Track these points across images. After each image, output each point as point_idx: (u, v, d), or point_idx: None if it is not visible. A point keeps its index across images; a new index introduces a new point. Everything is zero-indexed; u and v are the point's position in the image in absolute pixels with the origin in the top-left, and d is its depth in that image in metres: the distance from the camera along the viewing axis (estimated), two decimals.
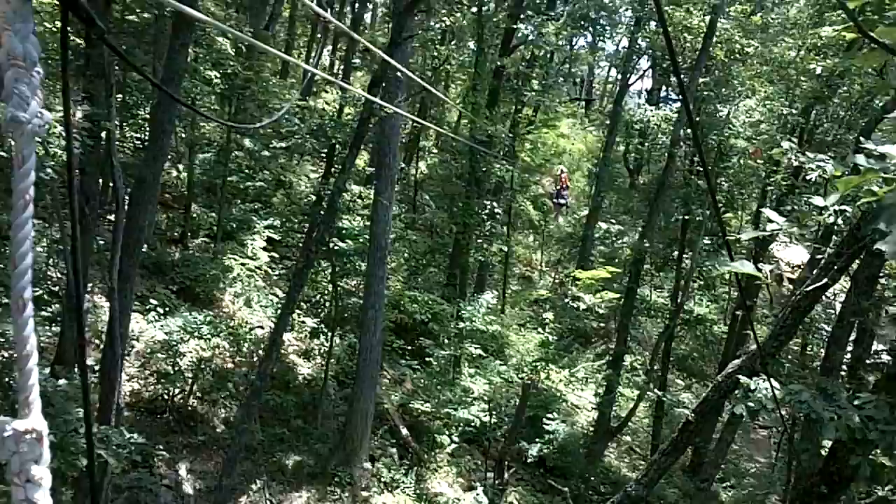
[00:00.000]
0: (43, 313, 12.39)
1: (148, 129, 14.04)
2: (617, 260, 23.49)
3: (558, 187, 28.39)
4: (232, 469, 11.63)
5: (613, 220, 29.45)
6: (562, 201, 28.74)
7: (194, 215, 18.77)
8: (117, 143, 11.43)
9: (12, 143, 1.39)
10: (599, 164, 25.70)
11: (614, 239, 25.61)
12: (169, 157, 14.07)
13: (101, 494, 10.20)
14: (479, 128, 19.90)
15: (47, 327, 12.19)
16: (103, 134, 11.30)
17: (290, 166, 22.45)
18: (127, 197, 11.27)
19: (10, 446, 1.42)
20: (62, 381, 9.08)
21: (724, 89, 19.13)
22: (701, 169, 20.62)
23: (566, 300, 24.30)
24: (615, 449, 19.80)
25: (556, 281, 27.69)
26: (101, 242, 14.02)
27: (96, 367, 11.86)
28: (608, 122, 26.38)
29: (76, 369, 10.51)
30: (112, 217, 12.30)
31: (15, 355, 1.48)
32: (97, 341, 13.36)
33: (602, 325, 23.71)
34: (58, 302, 11.51)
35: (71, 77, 12.74)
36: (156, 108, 11.05)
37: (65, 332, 11.42)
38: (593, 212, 25.62)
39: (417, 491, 15.54)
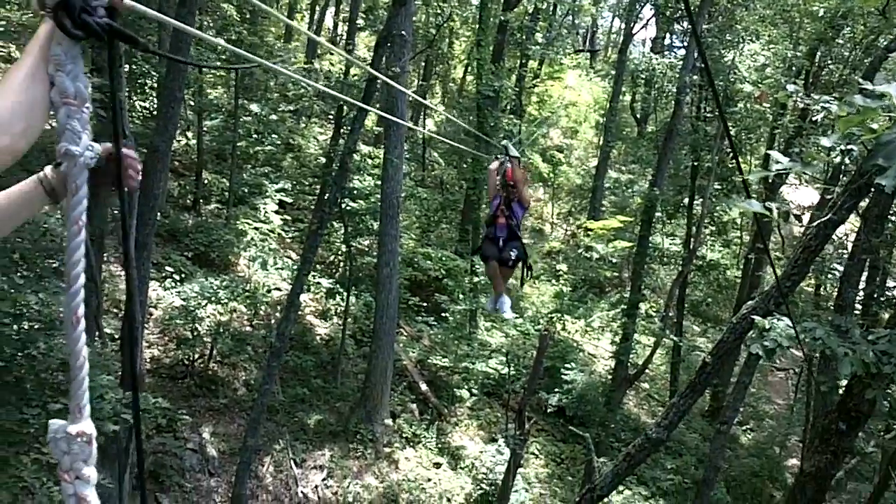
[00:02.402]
0: (63, 285, 12.55)
1: (156, 98, 14.07)
2: (628, 209, 23.52)
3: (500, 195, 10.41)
4: (255, 430, 11.86)
5: (623, 170, 29.42)
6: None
7: (206, 181, 18.86)
8: (128, 112, 11.48)
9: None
10: (606, 115, 25.58)
11: (624, 188, 25.58)
12: (179, 124, 14.12)
13: (127, 459, 10.45)
14: (484, 83, 19.82)
15: None
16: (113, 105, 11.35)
17: (298, 129, 22.46)
18: (140, 166, 11.37)
19: (63, 447, 1.59)
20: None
21: (727, 34, 18.95)
22: (709, 115, 20.54)
23: (579, 251, 24.49)
24: (634, 396, 20.02)
25: (568, 232, 27.74)
26: (116, 212, 14.16)
27: (116, 336, 12.07)
28: (613, 72, 26.18)
29: (97, 337, 10.69)
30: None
31: (70, 363, 1.62)
32: (116, 310, 13.57)
33: (616, 274, 23.81)
34: None
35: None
36: (165, 77, 11.08)
37: (87, 301, 11.59)
38: (602, 162, 25.57)
39: (439, 445, 15.81)
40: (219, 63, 15.67)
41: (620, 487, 15.22)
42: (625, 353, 18.16)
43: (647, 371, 19.23)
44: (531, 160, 26.77)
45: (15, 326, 8.82)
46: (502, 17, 20.91)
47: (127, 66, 11.64)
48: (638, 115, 31.71)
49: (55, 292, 9.39)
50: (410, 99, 24.05)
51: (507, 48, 22.47)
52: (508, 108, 22.56)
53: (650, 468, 16.44)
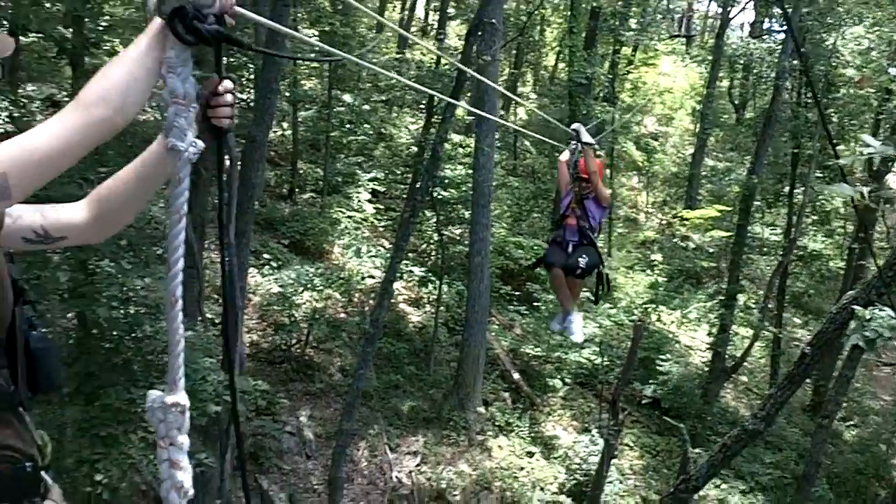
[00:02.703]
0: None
1: (253, 89, 14.40)
2: (725, 198, 22.87)
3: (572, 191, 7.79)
4: (350, 414, 12.04)
5: (720, 157, 28.66)
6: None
7: (301, 171, 19.24)
8: None
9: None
10: (703, 101, 24.93)
11: (721, 176, 24.91)
12: (274, 115, 14.42)
13: (228, 440, 10.76)
14: (576, 70, 19.59)
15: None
16: None
17: (390, 119, 22.65)
18: (238, 156, 11.67)
19: (159, 416, 1.78)
20: (188, 333, 9.55)
21: (828, 17, 18.21)
22: (809, 101, 19.83)
23: (674, 240, 24.01)
24: (732, 389, 19.53)
25: (663, 222, 27.22)
26: (216, 201, 14.56)
27: (217, 321, 12.43)
28: (710, 57, 25.48)
29: (199, 321, 11.04)
30: (225, 176, 12.74)
31: (168, 341, 1.78)
32: (217, 296, 13.97)
33: (713, 264, 23.23)
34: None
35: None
36: (261, 69, 11.34)
37: (186, 286, 11.97)
38: (699, 150, 24.97)
39: (532, 434, 15.77)
40: (312, 55, 15.91)
41: (717, 481, 14.91)
42: (722, 345, 17.71)
43: (745, 364, 18.72)
44: (625, 148, 26.36)
45: (122, 310, 9.18)
46: (595, 4, 20.61)
47: (225, 58, 11.93)
48: (736, 102, 30.78)
49: (160, 277, 9.72)
50: (501, 86, 24.00)
51: (600, 34, 22.15)
52: (601, 95, 22.25)
53: (748, 462, 16.02)
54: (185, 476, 1.81)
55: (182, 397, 1.81)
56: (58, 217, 1.95)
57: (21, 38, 11.60)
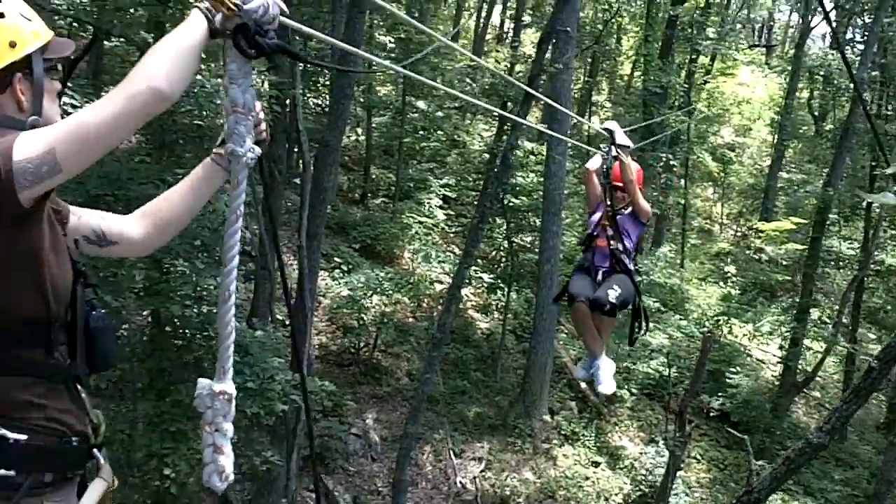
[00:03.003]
0: (239, 271, 13.30)
1: (328, 95, 14.67)
2: (801, 210, 22.30)
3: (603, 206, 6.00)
4: (416, 418, 12.12)
5: (798, 169, 27.94)
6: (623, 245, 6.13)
7: (373, 176, 19.49)
8: (301, 109, 12.04)
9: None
10: (782, 112, 24.40)
11: (798, 188, 24.30)
12: (348, 121, 14.66)
13: (294, 439, 10.95)
14: (651, 79, 19.38)
15: (243, 284, 13.09)
16: (288, 101, 11.93)
17: (463, 126, 22.76)
18: (312, 160, 11.90)
19: (207, 402, 1.93)
20: (258, 333, 9.75)
21: None
22: (889, 113, 19.26)
23: (748, 253, 23.52)
24: (803, 404, 19.01)
25: (738, 234, 26.70)
26: (289, 204, 14.87)
27: (287, 322, 12.67)
28: (790, 68, 24.90)
29: (270, 321, 11.27)
30: (298, 180, 13.00)
31: (218, 332, 1.86)
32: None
33: (788, 277, 22.67)
34: (251, 261, 12.33)
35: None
36: (336, 75, 11.54)
37: (258, 287, 12.24)
38: (776, 161, 24.45)
39: (598, 444, 15.62)
40: (387, 62, 16.11)
41: (786, 497, 14.56)
42: (793, 359, 17.28)
43: (818, 379, 18.22)
44: (700, 158, 25.94)
45: (195, 309, 9.42)
46: (671, 12, 20.37)
47: (301, 64, 12.24)
48: (815, 113, 30.02)
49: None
50: (576, 95, 23.89)
51: (677, 43, 21.86)
52: (676, 104, 21.96)
53: (818, 479, 15.58)
54: (227, 461, 1.93)
55: (229, 386, 1.91)
56: (112, 224, 2.11)
57: (105, 42, 12.06)
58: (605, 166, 5.47)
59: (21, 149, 1.60)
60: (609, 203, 5.51)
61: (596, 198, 5.73)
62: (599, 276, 5.49)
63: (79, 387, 1.91)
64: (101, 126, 1.61)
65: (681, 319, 18.41)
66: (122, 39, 11.86)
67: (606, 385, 5.57)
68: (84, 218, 2.09)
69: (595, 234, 5.64)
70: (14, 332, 1.74)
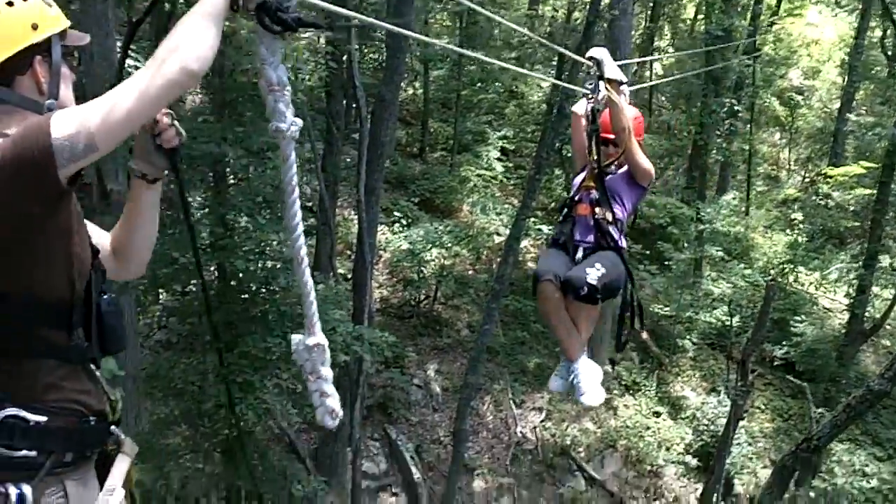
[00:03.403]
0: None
1: (384, 50, 14.66)
2: (871, 154, 21.61)
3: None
4: (476, 368, 12.27)
5: (868, 112, 27.01)
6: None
7: (431, 130, 19.49)
8: (358, 64, 12.09)
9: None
10: (852, 52, 23.51)
11: (868, 132, 23.51)
12: (405, 75, 14.67)
13: (358, 389, 11.21)
14: (713, 22, 18.87)
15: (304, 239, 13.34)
16: (345, 57, 11.98)
17: (521, 77, 22.54)
18: (369, 115, 11.97)
19: (304, 355, 2.09)
20: (320, 286, 9.98)
21: None
22: None
23: (816, 199, 22.92)
24: (872, 353, 18.63)
25: (806, 180, 26.01)
26: (348, 160, 15.01)
27: (349, 276, 12.89)
28: (861, 6, 23.91)
29: (331, 275, 11.49)
30: (357, 135, 13.10)
31: (301, 293, 2.08)
32: (349, 252, 14.46)
33: (857, 224, 22.08)
34: (312, 216, 12.55)
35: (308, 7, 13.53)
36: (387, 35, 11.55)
37: (319, 242, 12.48)
38: (845, 104, 23.62)
39: (659, 394, 15.64)
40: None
41: (852, 446, 14.41)
42: (860, 307, 16.88)
43: (886, 326, 17.78)
44: (766, 103, 25.24)
45: (259, 263, 9.67)
46: None
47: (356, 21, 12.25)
48: (889, 53, 28.88)
49: None
50: (636, 41, 23.40)
51: None
52: (741, 48, 21.35)
53: (886, 428, 15.35)
54: (334, 402, 2.14)
55: (321, 338, 2.12)
56: (99, 235, 2.16)
57: (166, 2, 12.23)
58: (591, 110, 4.27)
59: (58, 127, 1.65)
60: (596, 159, 4.30)
61: (582, 152, 4.50)
62: (579, 254, 4.26)
63: (93, 367, 1.97)
64: (135, 105, 1.67)
65: (745, 268, 18.11)
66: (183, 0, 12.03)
67: (590, 396, 4.19)
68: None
69: (577, 198, 4.37)
70: (40, 314, 1.80)
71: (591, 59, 4.15)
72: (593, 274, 3.92)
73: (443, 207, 17.20)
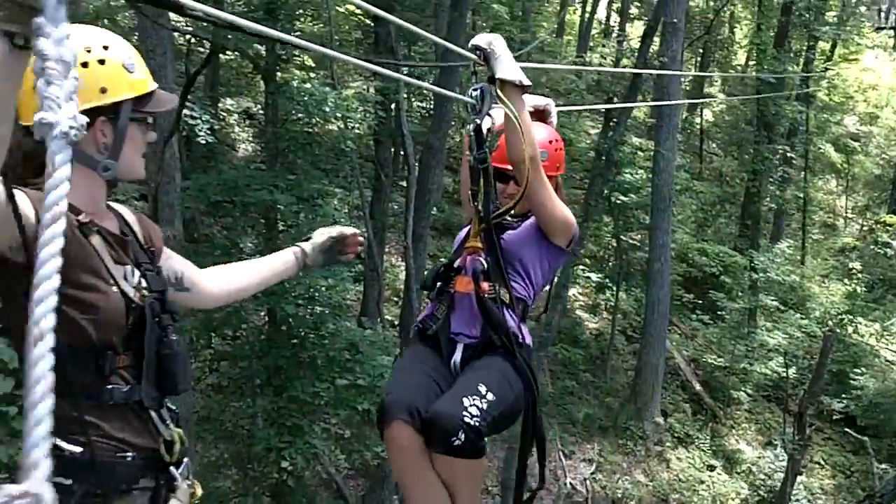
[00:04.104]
0: (348, 273, 13.67)
1: (432, 98, 14.84)
2: None
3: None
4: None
5: None
6: None
7: None
8: (405, 113, 12.24)
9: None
10: None
11: None
12: (452, 122, 14.80)
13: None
14: (765, 69, 18.76)
15: (352, 284, 13.40)
16: (393, 106, 12.14)
17: (569, 123, 22.55)
18: (417, 163, 12.07)
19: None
20: (368, 332, 10.02)
21: None
22: None
23: (875, 248, 22.39)
24: None
25: (864, 228, 25.49)
26: (396, 207, 15.12)
27: (396, 322, 12.89)
28: None
29: (379, 321, 11.51)
30: (404, 182, 13.21)
31: None
32: (396, 298, 14.47)
33: None
34: (360, 263, 12.63)
35: (361, 54, 13.93)
36: (438, 78, 11.68)
37: (367, 288, 12.55)
38: None
39: (713, 447, 15.27)
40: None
41: None
42: None
43: None
44: (821, 149, 24.87)
45: (308, 309, 9.74)
46: None
47: (406, 68, 12.47)
48: None
49: (342, 279, 10.24)
50: (686, 87, 23.35)
51: (793, 30, 21.07)
52: (794, 94, 21.17)
53: None
54: None
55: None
56: (192, 273, 2.30)
57: (220, 55, 12.58)
58: (474, 130, 2.77)
59: None
60: (483, 205, 2.78)
61: (467, 194, 2.97)
62: (457, 355, 2.79)
63: (146, 406, 1.96)
64: None
65: (801, 318, 17.73)
66: (236, 53, 12.35)
67: None
68: (170, 261, 2.24)
69: (457, 265, 2.86)
70: (60, 357, 1.81)
71: (475, 49, 2.72)
72: (474, 408, 2.45)
73: None
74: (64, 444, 1.80)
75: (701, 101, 22.74)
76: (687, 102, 21.76)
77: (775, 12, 19.91)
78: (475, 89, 2.75)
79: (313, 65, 13.20)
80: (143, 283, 2.00)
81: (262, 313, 10.94)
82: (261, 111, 14.95)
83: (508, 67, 2.69)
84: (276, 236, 10.54)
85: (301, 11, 12.91)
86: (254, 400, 9.95)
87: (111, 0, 10.70)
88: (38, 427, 0.89)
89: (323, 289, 10.00)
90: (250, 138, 16.76)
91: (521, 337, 2.79)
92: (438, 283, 2.91)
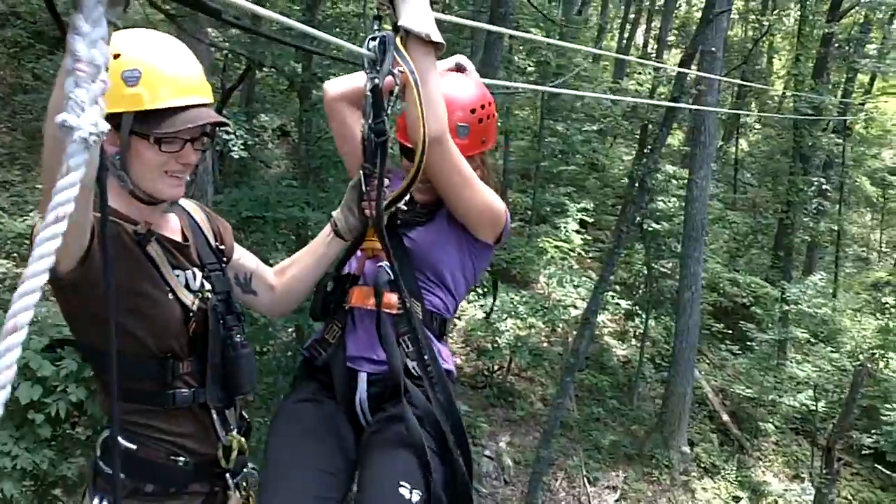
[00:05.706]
0: None
1: None
2: None
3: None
4: (549, 443, 12.04)
5: None
6: None
7: (510, 200, 19.53)
8: None
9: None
10: None
11: None
12: None
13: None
14: (803, 100, 18.62)
15: None
16: None
17: (603, 149, 22.54)
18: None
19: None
20: None
21: None
22: None
23: None
24: None
25: None
26: None
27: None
28: None
29: None
30: None
31: None
32: None
33: None
34: None
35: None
36: None
37: None
38: None
39: (740, 478, 15.06)
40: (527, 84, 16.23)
41: None
42: None
43: None
44: (857, 182, 24.58)
45: None
46: (827, 30, 19.53)
47: None
48: None
49: None
50: (722, 118, 23.23)
51: (832, 62, 20.92)
52: (831, 126, 21.00)
53: None
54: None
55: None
56: (263, 274, 2.29)
57: (257, 72, 12.72)
58: (370, 90, 2.07)
59: None
60: (376, 191, 2.13)
61: (355, 169, 2.28)
62: (361, 393, 2.21)
63: (208, 409, 1.99)
64: None
65: (832, 352, 17.47)
66: (272, 69, 12.48)
67: None
68: (242, 260, 2.25)
69: (351, 274, 2.33)
70: (126, 365, 1.82)
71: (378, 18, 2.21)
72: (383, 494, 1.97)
73: (519, 278, 17.14)
74: (121, 439, 1.85)
75: (736, 111, 22.61)
76: (722, 111, 21.64)
77: (815, 43, 19.77)
78: (373, 38, 2.07)
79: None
80: (207, 286, 2.00)
81: (291, 329, 10.98)
82: (295, 128, 15.09)
83: (417, 14, 2.06)
84: None
85: (338, 29, 13.04)
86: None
87: (149, 14, 10.86)
88: None
89: None
90: (283, 155, 16.90)
91: (441, 360, 2.20)
92: (331, 305, 2.28)
